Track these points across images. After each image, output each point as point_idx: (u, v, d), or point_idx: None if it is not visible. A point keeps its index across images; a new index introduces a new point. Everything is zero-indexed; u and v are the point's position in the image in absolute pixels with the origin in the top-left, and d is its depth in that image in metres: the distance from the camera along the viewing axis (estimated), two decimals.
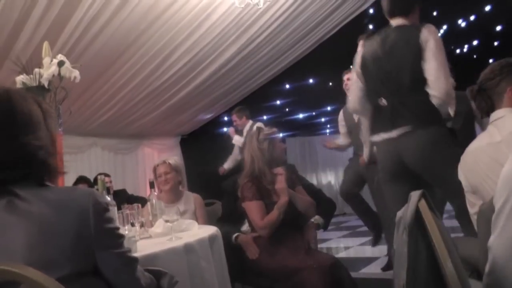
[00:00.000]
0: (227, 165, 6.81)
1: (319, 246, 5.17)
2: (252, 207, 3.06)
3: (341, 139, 4.94)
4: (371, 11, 7.95)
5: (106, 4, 4.33)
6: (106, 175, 5.63)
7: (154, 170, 3.73)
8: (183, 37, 5.53)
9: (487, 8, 8.31)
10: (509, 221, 1.14)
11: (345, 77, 4.54)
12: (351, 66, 3.60)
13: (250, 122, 6.51)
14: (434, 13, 7.98)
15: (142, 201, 5.35)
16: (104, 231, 1.28)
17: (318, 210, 3.29)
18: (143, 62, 5.63)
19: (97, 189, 2.44)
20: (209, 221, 3.59)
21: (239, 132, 6.64)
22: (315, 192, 3.52)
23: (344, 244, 5.73)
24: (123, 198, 5.36)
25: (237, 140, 6.50)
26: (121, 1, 4.39)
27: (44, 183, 1.31)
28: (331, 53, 8.23)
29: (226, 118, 8.70)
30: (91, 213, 1.25)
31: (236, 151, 6.72)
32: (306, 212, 3.19)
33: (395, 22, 3.06)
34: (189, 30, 5.43)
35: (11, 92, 1.34)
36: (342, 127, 4.89)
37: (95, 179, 5.22)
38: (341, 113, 4.91)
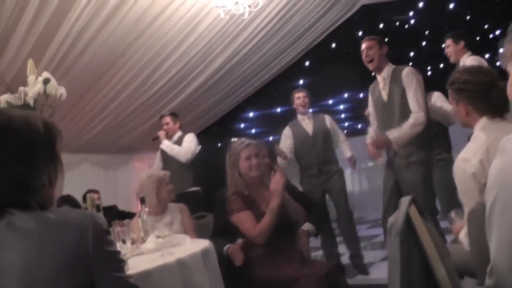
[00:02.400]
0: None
1: (314, 254, 5.17)
2: (242, 218, 2.98)
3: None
4: (356, 17, 8.07)
5: (93, 17, 4.32)
6: (95, 191, 5.58)
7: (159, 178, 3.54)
8: (171, 48, 5.54)
9: None
10: (503, 218, 1.13)
11: None
12: None
13: (180, 132, 5.58)
14: None
15: (134, 217, 5.32)
16: (103, 253, 1.27)
17: (310, 217, 3.25)
18: (131, 75, 5.63)
19: (86, 208, 2.42)
20: (200, 235, 3.50)
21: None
22: (306, 200, 3.49)
23: (339, 250, 5.69)
24: (113, 214, 5.29)
25: (166, 146, 5.41)
26: (108, 13, 4.39)
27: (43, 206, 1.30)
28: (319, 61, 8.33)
29: (215, 129, 8.68)
30: (90, 234, 1.24)
31: (157, 159, 5.75)
32: (296, 219, 3.12)
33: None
34: (177, 41, 5.46)
35: (14, 117, 1.32)
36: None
37: (84, 197, 5.19)
38: None
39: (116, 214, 5.38)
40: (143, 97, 6.27)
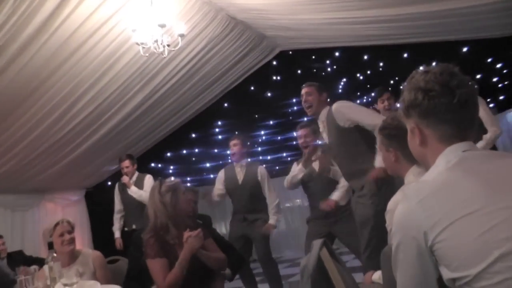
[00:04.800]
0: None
1: None
2: (155, 266, 2.90)
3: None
4: (274, 63, 8.38)
5: (1, 49, 4.15)
6: None
7: (54, 229, 3.40)
8: (87, 86, 5.45)
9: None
10: (405, 258, 1.26)
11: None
12: None
13: (137, 173, 6.02)
14: None
15: (41, 262, 5.06)
16: None
17: (228, 261, 3.25)
18: (43, 113, 5.42)
19: None
20: (113, 280, 3.37)
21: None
22: (226, 246, 3.50)
23: None
24: (19, 260, 5.02)
25: (134, 192, 5.85)
26: (20, 46, 4.24)
27: None
28: (238, 103, 8.52)
29: None
30: None
31: (117, 200, 6.12)
32: (216, 266, 3.11)
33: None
34: (93, 78, 5.38)
35: None
36: None
37: None
38: None
39: (22, 260, 5.09)
40: (55, 136, 6.02)
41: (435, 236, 1.18)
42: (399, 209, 1.29)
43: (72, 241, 3.36)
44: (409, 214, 1.24)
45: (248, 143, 5.41)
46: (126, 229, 6.07)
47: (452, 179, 1.24)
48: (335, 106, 3.77)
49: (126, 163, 5.95)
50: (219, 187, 5.23)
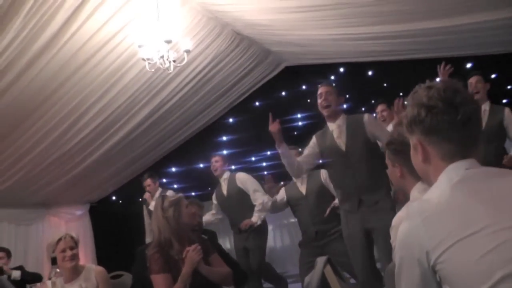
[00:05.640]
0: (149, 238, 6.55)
1: None
2: (159, 281, 2.93)
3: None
4: (279, 78, 8.41)
5: (12, 62, 4.22)
6: (2, 249, 5.31)
7: (56, 244, 3.33)
8: (94, 100, 5.50)
9: None
10: (409, 276, 1.26)
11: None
12: None
13: (160, 189, 6.42)
14: None
15: (39, 278, 5.09)
16: None
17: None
18: (51, 125, 5.47)
19: None
20: None
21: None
22: (230, 263, 3.49)
23: None
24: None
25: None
26: (30, 59, 4.31)
27: None
28: (243, 118, 8.54)
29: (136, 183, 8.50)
30: None
31: (147, 220, 6.53)
32: (221, 283, 3.13)
33: None
34: (100, 92, 5.43)
35: None
36: None
37: None
38: None
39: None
40: (62, 149, 6.06)
41: (437, 256, 1.18)
42: (403, 227, 1.28)
43: (74, 257, 3.30)
44: (412, 233, 1.24)
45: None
46: None
47: (455, 198, 1.23)
48: (368, 116, 3.73)
49: (148, 181, 6.39)
50: (214, 203, 5.43)
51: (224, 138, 9.24)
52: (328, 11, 4.87)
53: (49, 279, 2.84)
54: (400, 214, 2.05)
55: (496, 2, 4.41)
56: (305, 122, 8.90)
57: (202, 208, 4.31)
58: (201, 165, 9.30)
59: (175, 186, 8.85)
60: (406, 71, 7.98)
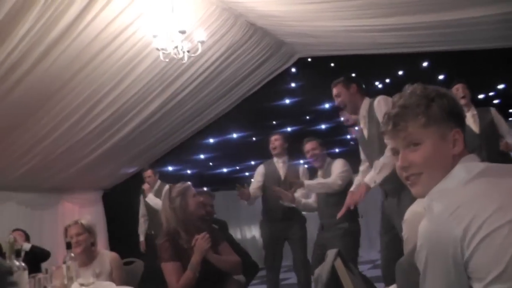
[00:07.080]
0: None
1: None
2: (169, 269, 2.99)
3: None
4: (293, 69, 8.36)
5: (28, 51, 4.27)
6: (21, 231, 5.41)
7: (65, 231, 3.45)
8: (108, 89, 5.55)
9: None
10: (435, 270, 1.23)
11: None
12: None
13: (159, 181, 6.69)
14: None
15: (45, 254, 5.19)
16: None
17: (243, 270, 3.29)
18: (66, 113, 5.54)
19: (4, 253, 2.30)
20: (128, 282, 3.39)
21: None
22: (241, 253, 3.51)
23: None
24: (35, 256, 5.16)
25: (151, 200, 6.43)
26: (46, 48, 4.35)
27: None
28: (255, 109, 8.53)
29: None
30: None
31: (143, 210, 6.79)
32: (230, 272, 3.17)
33: None
34: (114, 82, 5.47)
35: None
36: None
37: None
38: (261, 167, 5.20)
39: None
40: (76, 137, 6.14)
41: (472, 249, 1.15)
42: (428, 223, 1.24)
43: (80, 243, 3.34)
44: (442, 228, 1.20)
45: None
46: (153, 232, 6.38)
47: (481, 190, 1.22)
48: (377, 99, 3.57)
49: (149, 172, 6.67)
50: (259, 179, 5.11)
51: (237, 128, 9.27)
52: (342, 2, 4.83)
53: (64, 262, 2.88)
54: (414, 209, 1.98)
55: None
56: (318, 114, 8.90)
57: (212, 197, 4.34)
58: (213, 155, 9.38)
59: (187, 175, 8.94)
60: (421, 64, 7.92)
